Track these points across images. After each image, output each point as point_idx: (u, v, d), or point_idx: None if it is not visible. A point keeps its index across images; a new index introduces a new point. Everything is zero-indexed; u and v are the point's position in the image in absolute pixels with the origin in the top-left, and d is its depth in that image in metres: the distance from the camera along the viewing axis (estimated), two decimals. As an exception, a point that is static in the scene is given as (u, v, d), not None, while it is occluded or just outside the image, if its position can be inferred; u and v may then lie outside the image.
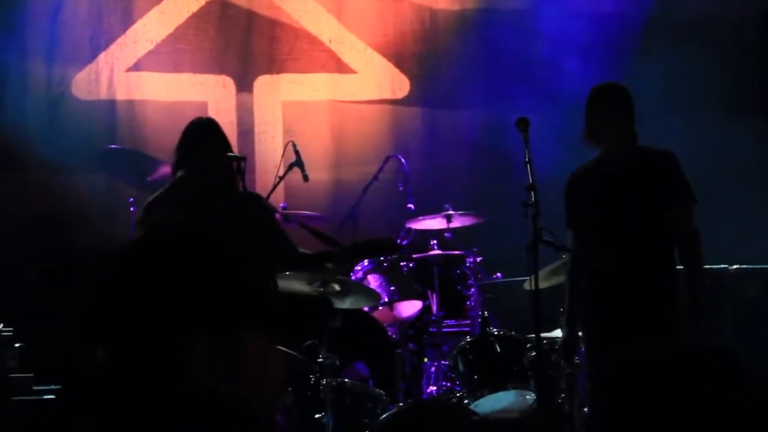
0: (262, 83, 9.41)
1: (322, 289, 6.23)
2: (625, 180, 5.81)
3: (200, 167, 5.74)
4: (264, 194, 7.22)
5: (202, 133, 5.98)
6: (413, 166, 8.62)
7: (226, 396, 2.15)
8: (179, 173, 5.94)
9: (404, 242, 8.02)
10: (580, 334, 5.98)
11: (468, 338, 7.23)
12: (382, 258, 7.77)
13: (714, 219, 6.68)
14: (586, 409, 6.35)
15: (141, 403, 2.12)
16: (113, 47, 9.20)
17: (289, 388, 6.39)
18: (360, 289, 6.98)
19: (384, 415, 6.08)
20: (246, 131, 9.20)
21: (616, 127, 5.88)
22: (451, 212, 7.94)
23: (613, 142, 5.89)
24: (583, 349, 6.13)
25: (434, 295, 7.77)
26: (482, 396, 6.85)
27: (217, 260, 2.19)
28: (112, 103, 9.16)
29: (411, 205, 8.25)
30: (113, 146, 8.66)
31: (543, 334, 6.09)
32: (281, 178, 7.68)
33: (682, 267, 5.80)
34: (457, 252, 7.97)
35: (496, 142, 8.95)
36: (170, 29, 9.30)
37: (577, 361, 6.16)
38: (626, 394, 1.98)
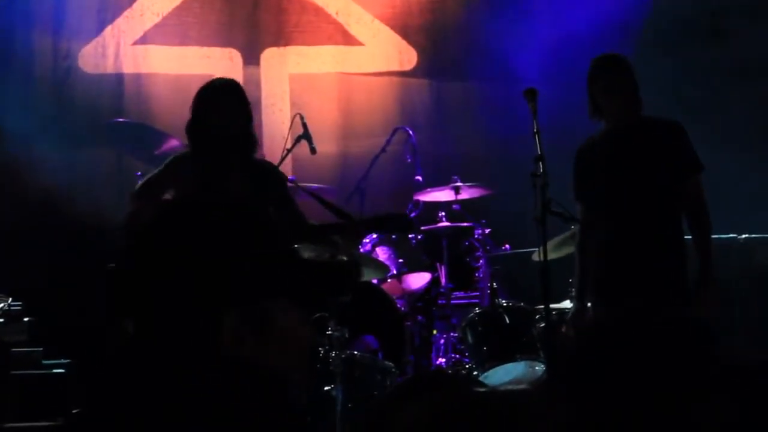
0: (269, 56, 9.38)
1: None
2: (630, 152, 5.67)
3: (217, 141, 5.57)
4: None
5: (221, 97, 5.72)
6: (421, 138, 8.59)
7: (257, 366, 2.14)
8: (192, 148, 5.71)
9: (413, 214, 8.01)
10: (590, 305, 5.95)
11: (477, 310, 7.23)
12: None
13: (723, 188, 6.65)
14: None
15: (172, 374, 2.11)
16: (120, 20, 9.18)
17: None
18: (369, 261, 6.98)
19: (385, 390, 6.09)
20: (253, 104, 9.01)
21: (618, 98, 5.72)
22: (459, 184, 7.92)
23: (616, 113, 5.73)
24: None
25: (443, 267, 7.77)
26: (491, 367, 6.85)
27: (244, 233, 2.18)
28: (118, 77, 9.14)
29: (419, 177, 8.23)
30: (120, 120, 8.64)
31: (552, 305, 6.07)
32: (289, 151, 7.65)
33: (689, 237, 5.76)
34: (465, 224, 7.95)
35: (504, 113, 8.92)
36: (177, 2, 9.27)
37: None
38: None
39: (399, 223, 5.92)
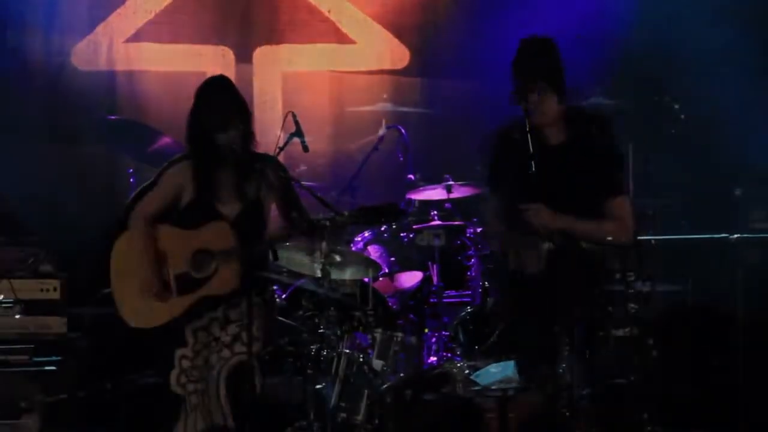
0: (262, 54, 9.38)
1: (323, 260, 6.21)
2: (551, 170, 5.49)
3: (213, 138, 5.60)
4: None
5: (214, 94, 5.74)
6: (413, 137, 8.60)
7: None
8: (190, 150, 5.74)
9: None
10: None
11: (468, 309, 7.24)
12: (382, 228, 7.77)
13: (716, 185, 6.66)
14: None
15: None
16: (112, 18, 9.18)
17: (289, 359, 6.41)
18: (360, 259, 6.97)
19: (384, 387, 6.10)
20: (245, 102, 9.17)
21: (535, 87, 5.53)
22: (451, 183, 7.93)
23: (536, 105, 5.52)
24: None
25: (435, 266, 7.77)
26: (483, 366, 6.85)
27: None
28: (111, 74, 9.15)
29: (411, 176, 8.24)
30: (112, 116, 8.64)
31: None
32: (281, 149, 7.64)
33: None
34: (457, 222, 7.95)
35: (495, 113, 8.91)
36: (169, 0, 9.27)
37: None
38: None
39: (387, 212, 5.90)
